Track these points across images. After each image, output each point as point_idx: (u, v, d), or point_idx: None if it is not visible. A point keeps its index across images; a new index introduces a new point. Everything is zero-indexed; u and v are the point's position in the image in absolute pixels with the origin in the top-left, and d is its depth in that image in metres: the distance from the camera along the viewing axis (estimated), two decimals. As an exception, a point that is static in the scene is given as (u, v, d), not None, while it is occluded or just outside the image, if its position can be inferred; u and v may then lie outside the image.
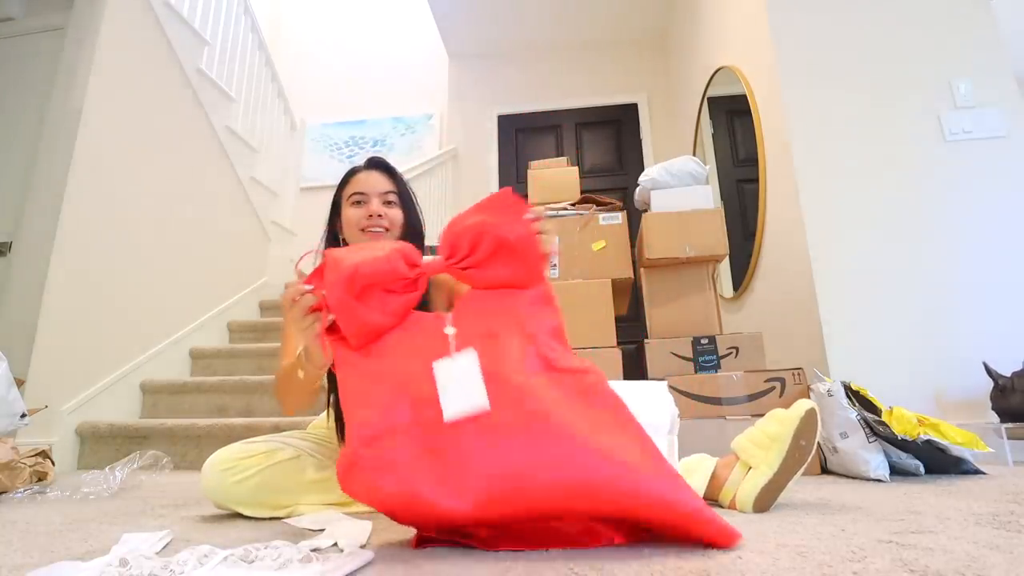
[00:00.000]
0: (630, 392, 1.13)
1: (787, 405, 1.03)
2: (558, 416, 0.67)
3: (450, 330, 0.75)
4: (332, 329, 0.77)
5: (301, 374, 0.93)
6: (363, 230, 1.12)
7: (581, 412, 0.69)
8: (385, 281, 0.75)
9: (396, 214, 1.15)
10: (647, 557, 0.66)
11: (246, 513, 1.01)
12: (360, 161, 1.22)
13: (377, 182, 1.15)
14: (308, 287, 0.78)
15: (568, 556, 0.67)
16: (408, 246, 0.80)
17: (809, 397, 1.47)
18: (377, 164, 1.19)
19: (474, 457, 0.67)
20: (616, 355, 1.68)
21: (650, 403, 1.07)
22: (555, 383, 0.71)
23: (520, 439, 0.66)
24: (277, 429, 1.89)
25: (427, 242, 1.23)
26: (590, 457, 0.64)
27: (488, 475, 0.66)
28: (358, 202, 1.13)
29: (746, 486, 0.95)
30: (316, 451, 1.12)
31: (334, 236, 1.19)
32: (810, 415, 0.97)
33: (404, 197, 1.18)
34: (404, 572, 0.63)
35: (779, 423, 0.98)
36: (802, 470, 0.95)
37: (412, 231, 1.16)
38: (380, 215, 1.12)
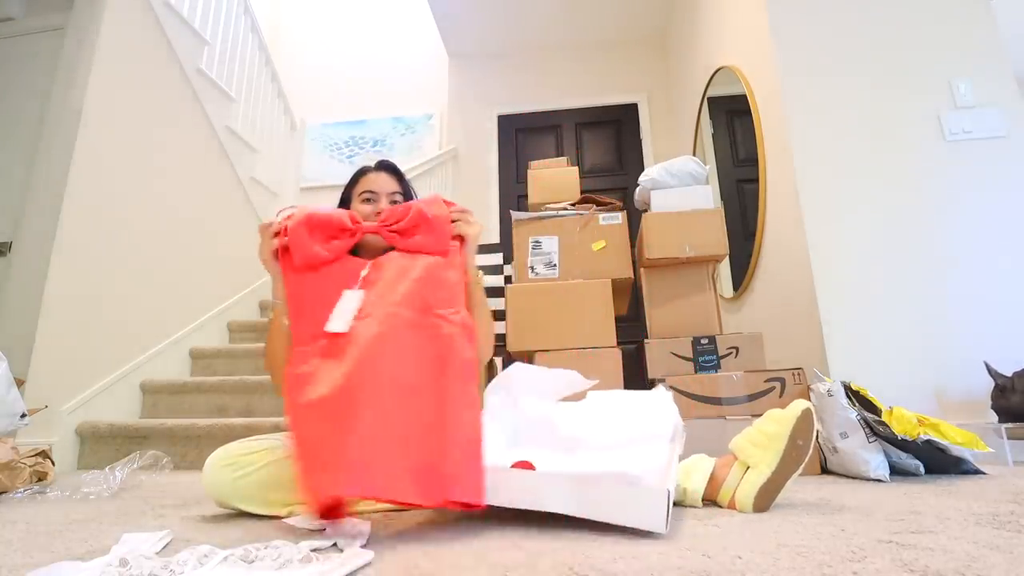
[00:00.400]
0: (635, 401, 1.14)
1: (787, 405, 1.03)
2: (395, 351, 0.92)
3: (364, 271, 1.04)
4: (287, 254, 1.04)
5: (272, 315, 1.10)
6: None
7: (417, 357, 0.93)
8: (331, 227, 1.04)
9: None
10: (648, 557, 0.66)
11: (247, 510, 1.01)
12: (365, 162, 1.26)
13: (386, 183, 1.27)
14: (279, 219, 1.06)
15: (569, 556, 0.67)
16: (354, 213, 1.09)
17: (809, 397, 1.47)
18: (386, 166, 1.30)
19: (344, 358, 0.92)
20: (616, 355, 1.68)
21: (653, 413, 1.08)
22: (417, 324, 0.97)
23: (367, 352, 0.91)
24: (277, 429, 1.89)
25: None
26: (392, 387, 0.87)
27: (345, 371, 0.89)
28: (368, 199, 1.24)
29: (745, 486, 0.95)
30: None
31: None
32: (806, 415, 0.97)
33: (407, 198, 1.28)
34: (404, 572, 0.63)
35: (776, 423, 0.99)
36: (800, 470, 0.96)
37: None
38: None
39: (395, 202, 1.24)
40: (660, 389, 1.19)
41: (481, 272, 1.24)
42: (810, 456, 0.97)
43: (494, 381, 1.20)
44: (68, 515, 1.09)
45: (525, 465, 0.88)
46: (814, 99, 2.02)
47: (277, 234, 1.05)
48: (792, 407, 0.99)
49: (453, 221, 1.10)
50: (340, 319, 0.96)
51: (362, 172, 1.28)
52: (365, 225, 1.08)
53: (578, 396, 1.24)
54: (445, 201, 1.11)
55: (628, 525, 0.78)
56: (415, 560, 0.67)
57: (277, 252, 1.05)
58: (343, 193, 1.30)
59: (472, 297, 1.12)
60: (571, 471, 0.84)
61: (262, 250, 1.06)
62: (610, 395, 1.21)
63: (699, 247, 1.79)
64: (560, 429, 1.05)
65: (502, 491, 0.87)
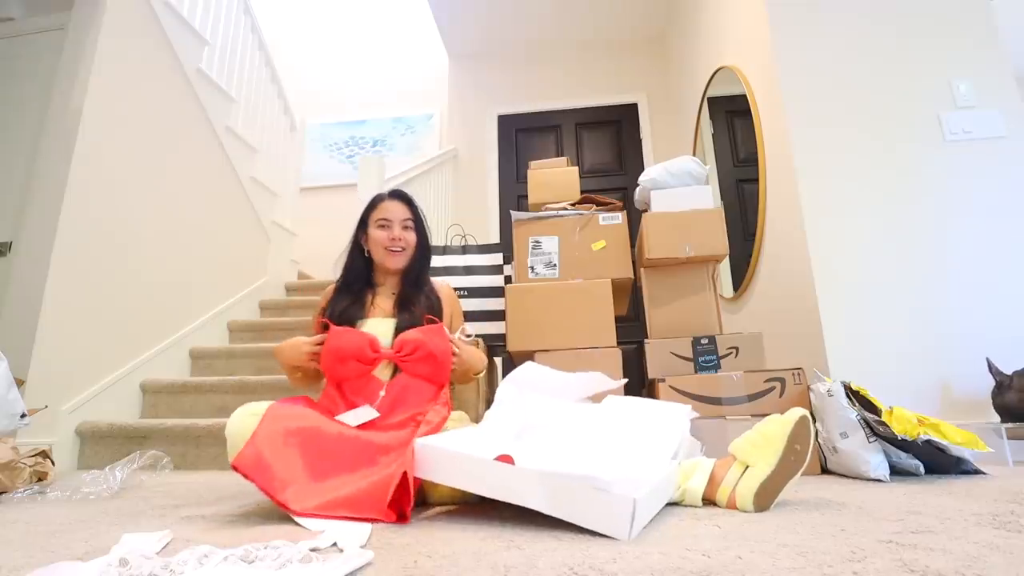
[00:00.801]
0: (649, 413, 1.17)
1: (787, 405, 1.05)
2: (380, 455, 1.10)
3: (382, 392, 1.26)
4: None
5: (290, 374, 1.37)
6: (386, 248, 1.42)
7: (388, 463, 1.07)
8: (356, 355, 1.25)
9: (412, 237, 1.45)
10: (648, 557, 0.66)
11: None
12: (378, 190, 1.43)
13: (399, 211, 1.44)
14: (320, 341, 1.28)
15: (569, 556, 0.67)
16: (375, 340, 1.27)
17: (809, 397, 1.47)
18: (399, 196, 1.48)
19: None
20: (616, 355, 1.68)
21: (663, 428, 1.10)
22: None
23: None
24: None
25: (433, 242, 1.57)
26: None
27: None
28: (383, 226, 1.42)
29: (745, 483, 0.96)
30: None
31: (358, 246, 1.48)
32: (803, 421, 0.99)
33: (418, 222, 1.46)
34: (403, 572, 0.63)
35: (775, 425, 1.01)
36: (798, 475, 0.97)
37: (421, 249, 1.47)
38: (400, 239, 1.42)
39: (406, 227, 1.43)
40: (680, 405, 1.20)
41: (485, 362, 1.46)
42: (809, 461, 0.98)
43: (508, 376, 1.25)
44: (68, 515, 1.09)
45: (506, 459, 0.91)
46: (814, 99, 2.02)
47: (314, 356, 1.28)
48: (789, 413, 1.02)
49: (453, 354, 1.32)
50: (352, 419, 1.18)
51: (379, 199, 1.46)
52: (383, 353, 1.27)
53: (597, 398, 1.25)
54: (445, 333, 1.33)
55: (592, 528, 0.79)
56: (415, 560, 0.67)
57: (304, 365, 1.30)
58: (362, 215, 1.48)
59: (470, 370, 1.38)
60: (543, 470, 0.85)
61: (290, 359, 1.29)
62: (627, 402, 1.22)
63: (699, 247, 1.79)
64: (564, 434, 1.06)
65: (483, 481, 0.90)
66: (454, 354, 1.31)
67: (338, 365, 1.25)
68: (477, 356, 1.39)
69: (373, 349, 1.26)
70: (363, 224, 1.48)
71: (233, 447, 1.08)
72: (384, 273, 1.47)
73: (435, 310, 1.40)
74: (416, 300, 1.39)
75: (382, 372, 1.29)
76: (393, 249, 1.42)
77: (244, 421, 1.08)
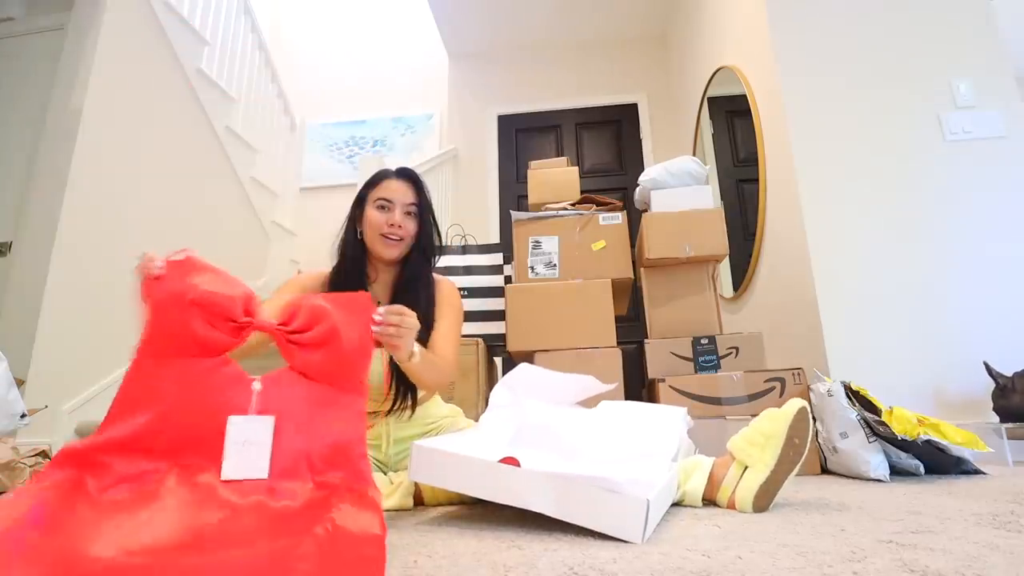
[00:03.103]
0: (645, 417, 1.16)
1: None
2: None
3: (256, 386, 0.74)
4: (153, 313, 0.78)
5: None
6: (383, 235, 1.19)
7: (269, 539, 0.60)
8: (217, 309, 0.74)
9: (413, 226, 1.22)
10: (648, 557, 0.66)
11: None
12: (377, 166, 1.24)
13: (404, 193, 1.21)
14: (160, 264, 0.78)
15: (569, 556, 0.67)
16: (256, 299, 0.80)
17: (809, 397, 1.47)
18: (407, 175, 1.24)
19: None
20: (616, 355, 1.68)
21: (661, 431, 1.09)
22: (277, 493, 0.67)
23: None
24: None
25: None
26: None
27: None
28: (383, 207, 1.20)
29: (744, 485, 0.96)
30: None
31: (353, 228, 1.25)
32: (801, 413, 0.98)
33: (423, 210, 1.24)
34: (403, 571, 0.63)
35: (773, 421, 0.99)
36: (797, 468, 0.96)
37: (421, 247, 1.23)
38: (400, 226, 1.19)
39: (409, 213, 1.20)
40: (675, 408, 1.19)
41: (419, 351, 0.99)
42: (807, 455, 0.98)
43: (502, 380, 1.21)
44: (68, 515, 1.09)
45: (511, 461, 0.89)
46: (814, 99, 2.02)
47: (157, 278, 0.79)
48: (788, 406, 0.99)
49: (378, 344, 0.87)
50: (245, 461, 0.67)
51: (383, 176, 1.24)
52: (259, 322, 0.77)
53: (590, 403, 1.24)
54: (370, 307, 0.84)
55: (604, 532, 0.77)
56: (415, 560, 0.67)
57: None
58: (360, 191, 1.26)
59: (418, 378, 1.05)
60: (553, 471, 0.83)
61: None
62: (622, 407, 1.21)
63: (699, 247, 1.79)
64: (562, 437, 1.05)
65: (488, 485, 0.88)
66: (378, 344, 0.87)
67: (181, 312, 0.75)
68: (429, 361, 1.04)
69: (246, 311, 0.76)
70: (360, 201, 1.24)
71: None
72: (376, 265, 1.24)
73: (432, 311, 1.19)
74: (415, 300, 1.12)
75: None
76: (390, 237, 1.18)
77: None
